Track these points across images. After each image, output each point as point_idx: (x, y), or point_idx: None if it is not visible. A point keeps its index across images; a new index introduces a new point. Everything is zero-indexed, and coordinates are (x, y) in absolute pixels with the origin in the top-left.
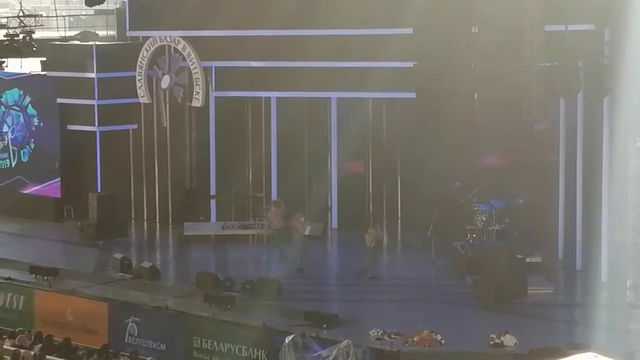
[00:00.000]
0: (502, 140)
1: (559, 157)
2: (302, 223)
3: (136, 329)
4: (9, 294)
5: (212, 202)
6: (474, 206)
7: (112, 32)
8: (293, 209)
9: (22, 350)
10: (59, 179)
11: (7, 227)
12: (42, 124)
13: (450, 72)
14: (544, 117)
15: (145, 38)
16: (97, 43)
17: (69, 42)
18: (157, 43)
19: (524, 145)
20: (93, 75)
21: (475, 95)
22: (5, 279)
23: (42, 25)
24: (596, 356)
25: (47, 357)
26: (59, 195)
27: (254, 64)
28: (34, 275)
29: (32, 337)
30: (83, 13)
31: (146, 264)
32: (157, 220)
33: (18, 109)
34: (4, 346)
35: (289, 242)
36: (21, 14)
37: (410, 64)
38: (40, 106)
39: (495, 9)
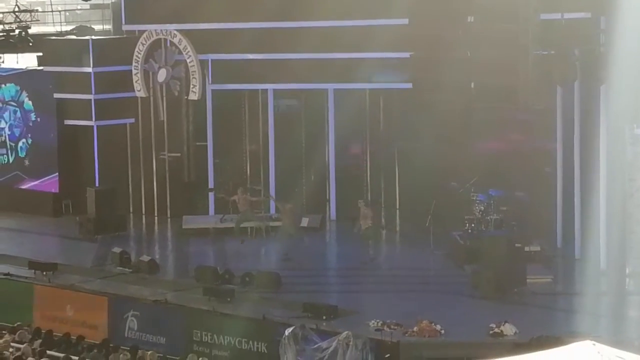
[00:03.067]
0: (499, 129)
1: (556, 145)
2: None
3: (136, 323)
4: (9, 290)
5: (210, 195)
6: (472, 196)
7: (108, 26)
8: (291, 201)
9: (21, 346)
10: (57, 174)
11: (5, 223)
12: (39, 119)
13: (447, 62)
14: (540, 101)
15: (141, 32)
16: (93, 37)
17: (65, 37)
18: (153, 36)
19: (521, 134)
20: (90, 69)
21: (472, 85)
22: (5, 274)
23: (38, 20)
24: (594, 344)
25: (48, 352)
26: (57, 191)
27: (250, 56)
28: (33, 270)
29: (32, 333)
30: (79, 7)
31: (145, 258)
32: (156, 214)
33: (15, 104)
34: (8, 341)
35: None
36: (17, 9)
37: (406, 54)
38: (37, 101)
39: None
